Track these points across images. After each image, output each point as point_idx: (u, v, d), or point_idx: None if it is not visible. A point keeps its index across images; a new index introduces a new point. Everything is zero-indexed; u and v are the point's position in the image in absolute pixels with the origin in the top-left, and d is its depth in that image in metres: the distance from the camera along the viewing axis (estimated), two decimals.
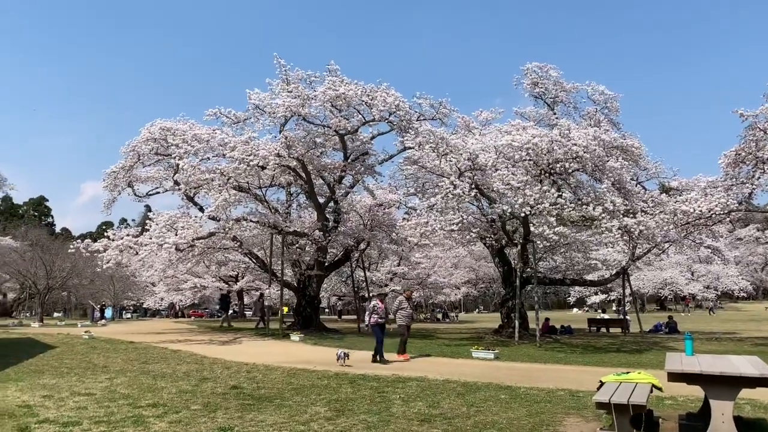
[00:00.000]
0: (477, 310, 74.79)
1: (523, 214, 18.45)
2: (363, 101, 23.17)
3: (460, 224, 18.92)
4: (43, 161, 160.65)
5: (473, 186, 19.02)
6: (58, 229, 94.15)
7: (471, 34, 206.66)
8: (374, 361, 14.05)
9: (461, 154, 18.70)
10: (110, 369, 12.38)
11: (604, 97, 25.47)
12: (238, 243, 24.91)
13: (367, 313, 15.31)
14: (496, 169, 18.92)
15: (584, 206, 18.31)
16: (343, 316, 51.40)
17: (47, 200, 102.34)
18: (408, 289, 16.76)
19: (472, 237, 21.80)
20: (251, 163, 21.49)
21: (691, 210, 19.07)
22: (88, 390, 9.35)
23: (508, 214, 19.51)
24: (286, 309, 32.61)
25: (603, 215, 17.94)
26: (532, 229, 20.12)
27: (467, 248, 31.15)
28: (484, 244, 24.82)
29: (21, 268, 39.98)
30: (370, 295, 16.51)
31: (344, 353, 13.27)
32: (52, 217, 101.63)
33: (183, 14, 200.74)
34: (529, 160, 18.37)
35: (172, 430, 6.77)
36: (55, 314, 54.02)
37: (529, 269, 22.95)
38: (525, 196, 17.66)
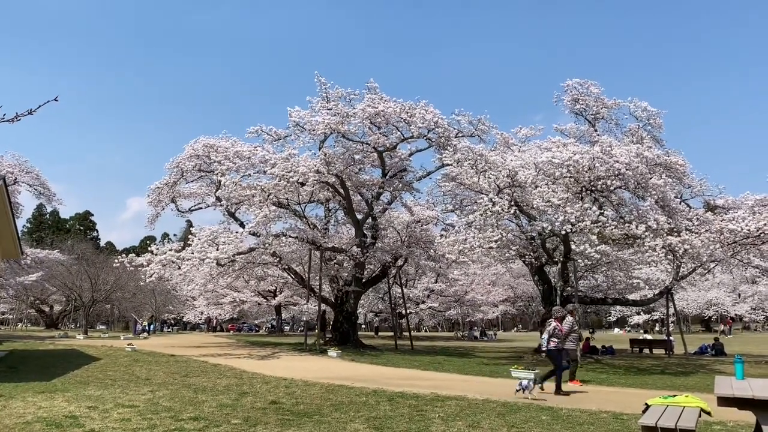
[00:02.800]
0: (515, 328, 73.77)
1: (563, 232, 18.22)
2: (402, 118, 23.30)
3: (499, 241, 18.77)
4: (91, 178, 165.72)
5: (512, 203, 18.89)
6: (102, 243, 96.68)
7: (510, 50, 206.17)
8: (558, 393, 12.08)
9: (500, 171, 18.62)
10: (152, 381, 12.60)
11: (647, 113, 25.05)
12: (278, 258, 25.17)
13: (545, 336, 13.22)
14: (536, 186, 18.76)
15: (627, 224, 18.00)
16: (380, 333, 51.35)
17: (92, 215, 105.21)
18: (573, 309, 14.87)
19: (511, 254, 21.59)
20: (291, 179, 21.79)
21: (739, 229, 18.57)
22: (132, 402, 9.52)
23: (548, 231, 19.30)
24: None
25: (646, 234, 17.59)
26: (572, 247, 19.85)
27: (506, 266, 30.87)
28: (524, 261, 24.55)
29: (67, 281, 41.15)
30: (552, 316, 13.96)
31: (531, 382, 11.36)
32: (97, 232, 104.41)
33: (224, 35, 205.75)
34: (570, 177, 18.16)
35: None
36: (99, 326, 55.38)
37: (569, 288, 22.60)
38: (566, 214, 17.45)
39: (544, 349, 13.30)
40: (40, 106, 2.70)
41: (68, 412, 8.44)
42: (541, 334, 25.22)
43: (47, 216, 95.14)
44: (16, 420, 7.74)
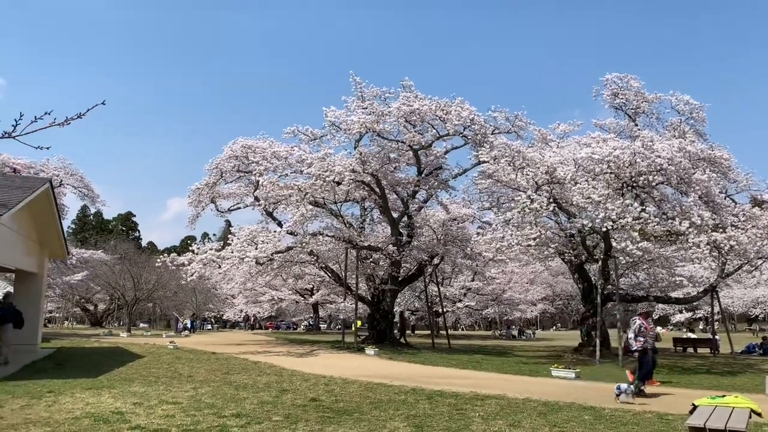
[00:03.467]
0: (554, 327, 72.84)
1: (604, 229, 17.89)
2: (437, 116, 23.20)
3: (537, 239, 18.52)
4: (132, 180, 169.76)
5: (551, 200, 18.62)
6: (144, 243, 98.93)
7: (546, 45, 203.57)
8: (639, 395, 10.96)
9: (538, 168, 18.38)
10: (195, 378, 12.82)
11: (689, 107, 24.42)
12: (315, 257, 25.35)
13: (630, 335, 12.51)
14: (576, 183, 18.45)
15: (669, 221, 17.56)
16: (416, 331, 51.25)
17: (134, 215, 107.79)
18: (646, 310, 14.10)
19: (550, 252, 21.26)
20: (327, 178, 21.92)
21: None
22: (175, 399, 9.70)
23: (588, 228, 18.96)
24: (359, 323, 32.84)
25: (690, 230, 17.14)
26: (613, 244, 19.47)
27: (544, 264, 30.46)
28: (563, 259, 24.21)
29: (111, 280, 42.23)
30: (636, 314, 13.19)
31: (633, 387, 10.71)
32: (139, 232, 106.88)
33: (260, 38, 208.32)
34: (611, 173, 17.82)
35: None
36: (141, 324, 56.63)
37: (610, 286, 22.18)
38: (606, 210, 17.13)
39: (633, 349, 12.51)
40: (88, 110, 2.75)
41: (115, 408, 8.64)
42: (581, 333, 25.00)
43: (91, 217, 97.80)
44: (66, 415, 7.97)
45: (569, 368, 15.81)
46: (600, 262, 21.70)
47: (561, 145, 22.89)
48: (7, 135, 2.57)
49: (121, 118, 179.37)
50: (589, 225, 18.30)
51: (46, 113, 2.68)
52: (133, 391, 10.38)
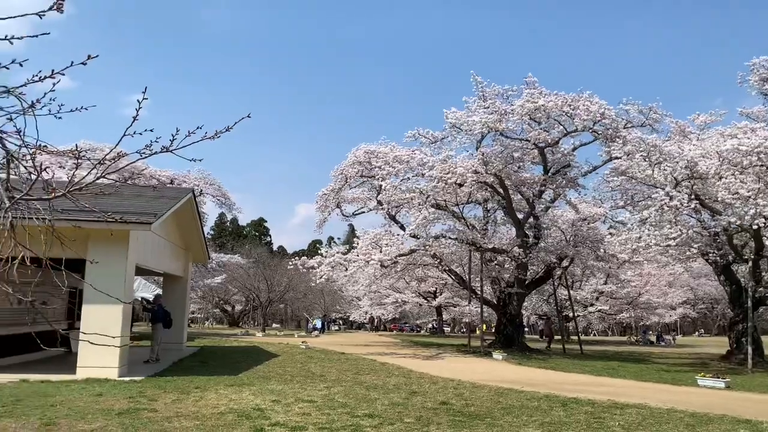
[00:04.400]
0: (696, 333, 67.74)
1: (755, 227, 16.36)
2: (563, 112, 22.35)
3: (677, 239, 17.25)
4: (263, 187, 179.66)
5: (692, 196, 17.29)
6: (275, 248, 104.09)
7: (682, 30, 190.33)
8: None
9: (677, 162, 17.14)
10: (327, 378, 13.21)
11: None
12: (438, 259, 25.33)
13: None
14: (720, 177, 17.01)
15: None
16: (544, 336, 49.71)
17: (266, 221, 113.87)
18: None
19: (692, 253, 19.73)
20: (449, 180, 21.81)
21: None
22: (310, 397, 10.03)
23: (735, 226, 17.41)
24: (484, 327, 32.38)
25: None
26: (765, 243, 17.72)
27: (685, 265, 28.38)
28: (707, 260, 22.41)
29: (246, 283, 44.79)
30: None
31: None
32: (270, 237, 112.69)
33: (379, 44, 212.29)
34: (761, 165, 16.24)
35: None
36: (274, 325, 59.56)
37: (761, 288, 20.24)
38: (757, 206, 15.64)
39: None
40: (236, 123, 2.87)
41: (255, 405, 9.08)
42: (729, 339, 22.96)
43: (228, 223, 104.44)
44: (212, 410, 8.48)
45: (718, 377, 14.58)
46: (750, 263, 19.87)
47: (702, 137, 21.25)
48: (165, 149, 2.72)
49: (254, 128, 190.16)
50: (737, 222, 16.81)
51: (198, 128, 2.81)
52: (270, 389, 10.86)
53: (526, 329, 40.41)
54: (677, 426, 8.39)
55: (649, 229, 17.38)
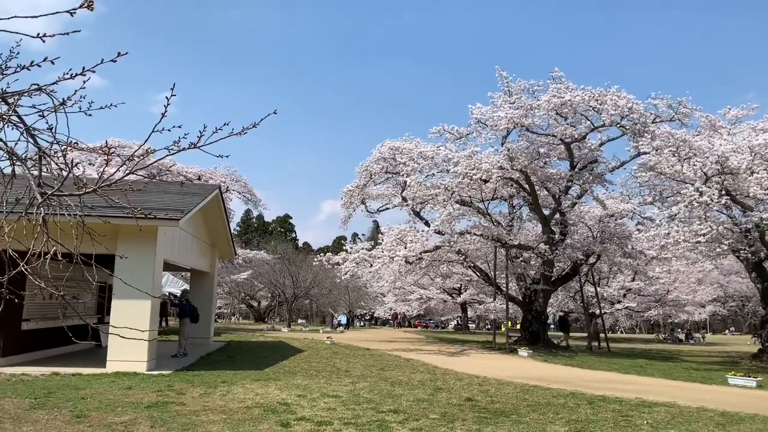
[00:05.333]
0: (726, 331, 66.47)
1: None
2: (590, 106, 22.05)
3: (707, 235, 16.92)
4: (289, 183, 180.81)
5: (723, 192, 16.94)
6: (300, 244, 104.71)
7: (711, 22, 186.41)
8: None
9: (707, 157, 16.82)
10: (352, 374, 13.26)
11: None
12: (463, 256, 25.22)
13: None
14: (752, 172, 16.63)
15: None
16: (571, 333, 49.21)
17: (291, 218, 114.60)
18: None
19: (723, 250, 19.34)
20: (474, 177, 21.69)
21: None
22: (335, 392, 10.08)
23: (767, 223, 17.02)
24: (509, 323, 32.18)
25: None
26: None
27: (714, 262, 27.86)
28: (738, 257, 21.96)
29: (272, 279, 45.10)
30: None
31: None
32: (295, 233, 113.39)
33: (403, 40, 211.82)
34: None
35: None
36: (299, 320, 59.92)
37: None
38: None
39: None
40: (262, 119, 2.88)
41: (281, 399, 9.15)
42: (761, 338, 22.49)
43: (254, 220, 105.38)
44: (239, 404, 8.57)
45: (749, 376, 14.29)
46: None
47: (733, 131, 20.79)
48: (192, 146, 2.75)
49: (279, 126, 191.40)
50: None
51: (225, 124, 2.83)
52: (296, 384, 10.94)
53: (552, 326, 40.00)
54: (707, 425, 8.25)
55: (678, 225, 17.09)
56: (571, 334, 30.67)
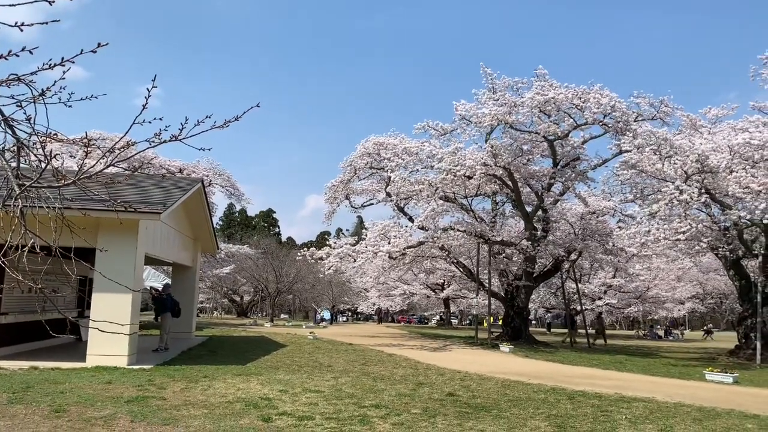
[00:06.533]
0: (704, 327, 67.43)
1: (765, 221, 16.21)
2: (574, 104, 22.22)
3: (687, 233, 17.16)
4: (273, 178, 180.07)
5: (703, 190, 17.18)
6: (283, 239, 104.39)
7: (695, 22, 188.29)
8: None
9: (688, 156, 17.03)
10: (334, 369, 13.27)
11: None
12: (446, 252, 25.32)
13: None
14: (731, 171, 16.88)
15: None
16: (552, 329, 49.70)
17: (275, 212, 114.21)
18: None
19: (702, 247, 19.62)
20: (458, 173, 21.76)
21: None
22: (317, 387, 10.08)
23: (746, 221, 17.31)
24: (491, 319, 32.38)
25: None
26: None
27: (694, 260, 28.27)
28: (716, 255, 22.28)
29: (255, 273, 44.99)
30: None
31: None
32: (279, 228, 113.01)
33: (387, 37, 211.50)
34: None
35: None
36: (282, 315, 59.83)
37: None
38: None
39: None
40: (244, 112, 2.87)
41: (263, 394, 9.14)
42: (738, 334, 22.86)
43: (236, 214, 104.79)
44: (220, 399, 8.54)
45: (726, 372, 14.53)
46: (760, 258, 19.73)
47: (713, 131, 21.06)
48: (174, 138, 2.73)
49: (263, 120, 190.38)
50: (748, 217, 16.72)
51: (206, 117, 2.82)
52: (278, 379, 10.92)
53: (533, 322, 40.33)
54: (684, 420, 8.37)
55: (658, 223, 17.31)
56: (552, 330, 31.08)
